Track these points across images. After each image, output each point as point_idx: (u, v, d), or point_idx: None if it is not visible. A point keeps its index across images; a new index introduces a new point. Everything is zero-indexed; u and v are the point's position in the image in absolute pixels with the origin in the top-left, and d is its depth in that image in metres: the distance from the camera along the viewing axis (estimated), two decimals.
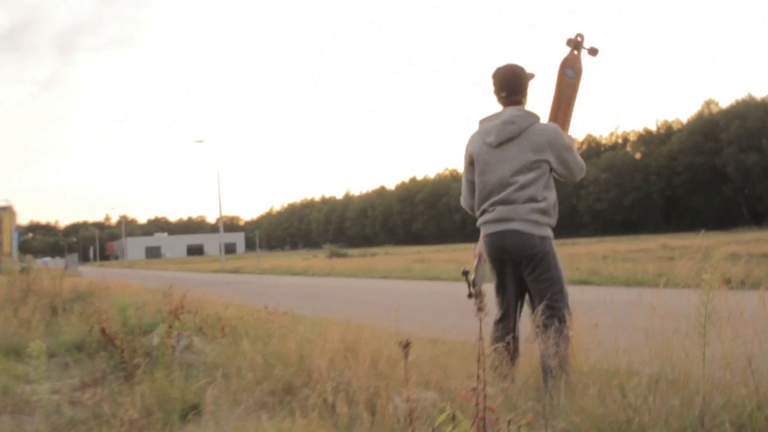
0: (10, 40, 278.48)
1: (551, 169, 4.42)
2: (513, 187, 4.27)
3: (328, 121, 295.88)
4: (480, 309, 4.06)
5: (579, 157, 4.51)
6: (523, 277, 4.45)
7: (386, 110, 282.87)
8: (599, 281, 16.04)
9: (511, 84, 4.36)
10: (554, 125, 4.39)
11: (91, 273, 62.41)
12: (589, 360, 4.15)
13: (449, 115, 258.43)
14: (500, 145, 4.32)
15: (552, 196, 4.41)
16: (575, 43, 4.89)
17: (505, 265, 4.47)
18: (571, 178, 4.56)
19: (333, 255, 58.59)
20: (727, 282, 12.34)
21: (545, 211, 4.35)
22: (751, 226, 75.60)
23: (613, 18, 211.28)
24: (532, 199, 4.28)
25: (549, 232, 4.45)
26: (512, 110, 4.33)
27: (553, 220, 4.48)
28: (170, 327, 5.68)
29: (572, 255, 32.17)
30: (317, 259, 54.65)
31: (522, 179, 4.27)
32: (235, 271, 41.59)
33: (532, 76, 4.47)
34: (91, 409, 4.74)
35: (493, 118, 4.37)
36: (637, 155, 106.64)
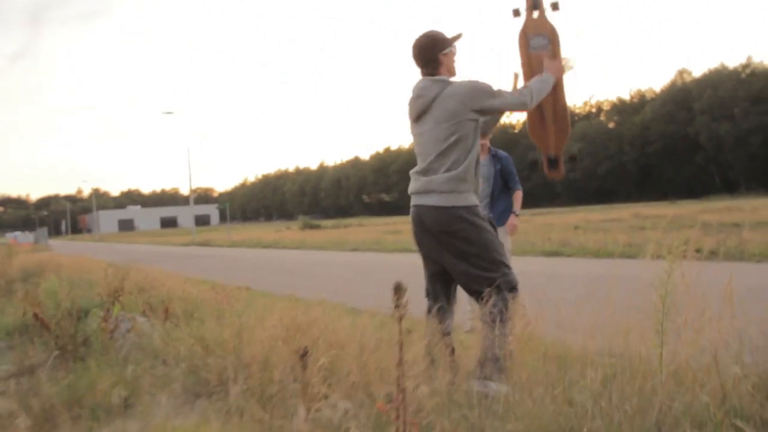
0: None
1: (479, 125, 4.16)
2: (431, 158, 4.11)
3: (301, 91, 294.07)
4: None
5: (511, 93, 4.16)
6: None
7: (361, 79, 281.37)
8: (570, 252, 15.87)
9: (421, 56, 4.15)
10: (466, 81, 4.06)
11: (60, 247, 61.76)
12: (545, 344, 3.86)
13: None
14: (418, 119, 4.19)
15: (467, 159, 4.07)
16: (533, 2, 4.47)
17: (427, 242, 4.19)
18: (519, 112, 4.39)
19: (306, 227, 58.16)
20: (697, 251, 12.03)
21: (463, 178, 4.04)
22: (723, 195, 76.02)
23: None
24: (450, 168, 4.03)
25: (471, 200, 4.08)
26: (420, 82, 4.16)
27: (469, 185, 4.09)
28: (108, 310, 5.34)
29: (545, 225, 32.09)
30: (290, 231, 54.26)
31: (441, 148, 4.07)
32: (206, 243, 41.17)
33: (453, 39, 4.17)
34: (17, 400, 4.41)
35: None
36: (611, 125, 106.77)
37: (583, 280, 9.87)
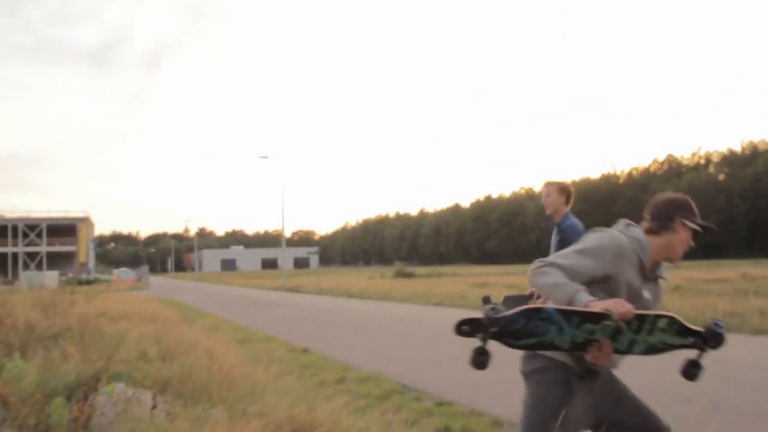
0: (99, 57, 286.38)
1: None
2: None
3: (405, 137, 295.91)
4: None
5: None
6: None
7: (463, 127, 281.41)
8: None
9: (658, 208, 3.48)
10: None
11: (158, 285, 62.94)
12: None
13: (524, 134, 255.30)
14: None
15: None
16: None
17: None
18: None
19: (399, 274, 57.53)
20: None
21: None
22: None
23: (701, 38, 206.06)
24: None
25: None
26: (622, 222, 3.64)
27: None
28: (85, 395, 4.64)
29: None
30: (382, 278, 53.66)
31: None
32: (295, 289, 40.91)
33: (702, 224, 3.48)
34: None
35: None
36: (720, 177, 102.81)
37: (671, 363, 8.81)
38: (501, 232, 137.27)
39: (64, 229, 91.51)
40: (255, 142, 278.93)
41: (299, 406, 4.97)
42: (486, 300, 4.93)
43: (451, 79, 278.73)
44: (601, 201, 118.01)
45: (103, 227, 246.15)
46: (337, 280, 51.97)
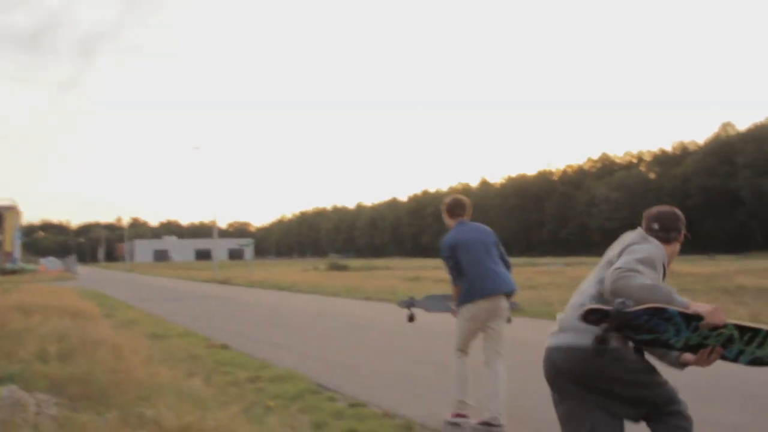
0: (32, 43, 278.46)
1: None
2: None
3: (343, 130, 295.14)
4: None
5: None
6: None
7: (401, 121, 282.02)
8: None
9: (667, 218, 4.00)
10: None
11: (86, 275, 61.51)
12: None
13: (463, 130, 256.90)
14: None
15: None
16: None
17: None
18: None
19: (332, 267, 57.27)
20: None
21: None
22: (764, 252, 73.82)
23: (633, 36, 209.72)
24: None
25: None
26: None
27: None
28: None
29: (574, 279, 30.72)
30: (315, 271, 53.33)
31: None
32: (225, 281, 40.32)
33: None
34: None
35: None
36: (651, 175, 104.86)
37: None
38: (435, 226, 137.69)
39: None
40: (190, 132, 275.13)
41: (196, 411, 4.68)
42: (408, 304, 5.53)
43: (388, 74, 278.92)
44: (536, 197, 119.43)
45: (32, 216, 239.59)
46: (270, 272, 51.47)
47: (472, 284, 5.96)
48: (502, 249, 6.22)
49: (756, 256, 63.18)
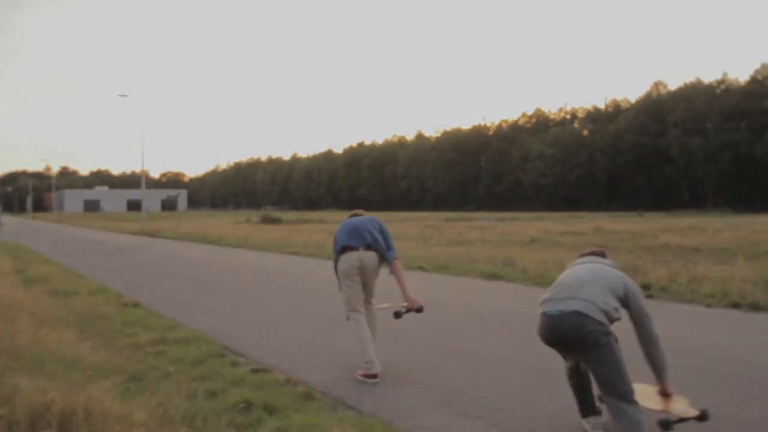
0: None
1: None
2: None
3: (278, 80, 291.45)
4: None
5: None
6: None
7: (337, 72, 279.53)
8: (510, 275, 14.48)
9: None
10: None
11: (11, 225, 59.86)
12: None
13: (400, 81, 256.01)
14: None
15: None
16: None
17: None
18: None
19: (265, 220, 56.63)
20: (645, 288, 10.30)
21: None
22: (690, 210, 75.57)
23: None
24: None
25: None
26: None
27: None
28: None
29: (502, 234, 30.86)
30: (247, 224, 52.70)
31: None
32: (153, 234, 39.54)
33: None
34: None
35: None
36: (584, 132, 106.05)
37: (478, 323, 8.70)
38: (372, 179, 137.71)
39: None
40: (121, 78, 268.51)
41: (70, 383, 4.35)
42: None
43: (324, 23, 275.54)
44: (471, 151, 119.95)
45: None
46: (201, 224, 50.69)
47: (340, 243, 6.73)
48: (387, 233, 6.91)
49: (682, 214, 64.61)
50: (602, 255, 4.96)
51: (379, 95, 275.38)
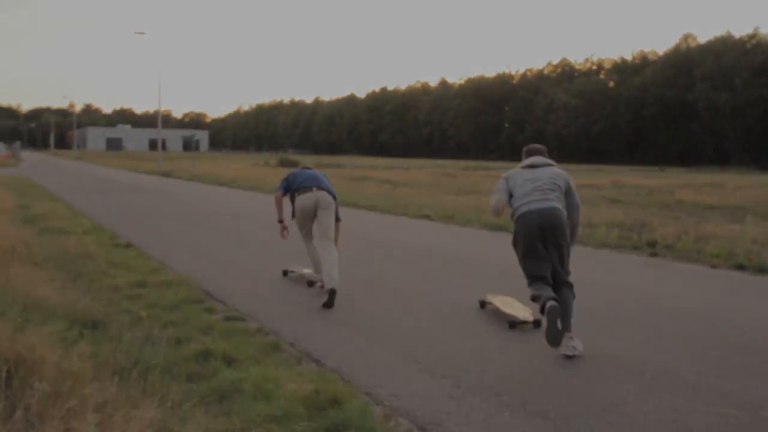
0: None
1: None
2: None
3: (303, 21, 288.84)
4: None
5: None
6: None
7: (363, 14, 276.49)
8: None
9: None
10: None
11: (31, 162, 60.10)
12: None
13: (424, 26, 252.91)
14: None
15: None
16: None
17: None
18: None
19: (283, 163, 56.34)
20: (651, 245, 10.01)
21: None
22: (713, 166, 74.49)
23: None
24: None
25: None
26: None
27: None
28: None
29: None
30: (264, 166, 52.50)
31: None
32: (168, 174, 39.48)
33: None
34: None
35: None
36: (610, 84, 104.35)
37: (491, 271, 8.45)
38: (394, 125, 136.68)
39: None
40: (143, 17, 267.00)
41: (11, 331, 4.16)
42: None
43: None
44: (494, 100, 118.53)
45: None
46: (217, 166, 50.52)
47: (295, 187, 8.06)
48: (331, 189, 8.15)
49: (705, 170, 63.71)
50: (544, 153, 6.30)
51: (403, 40, 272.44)
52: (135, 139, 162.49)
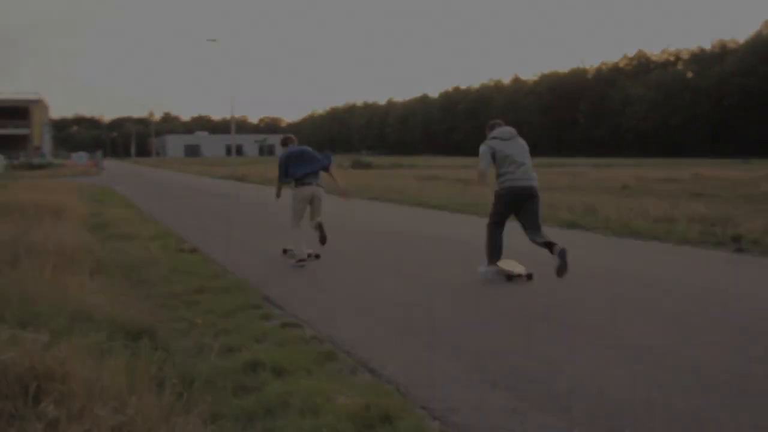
0: None
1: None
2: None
3: (375, 25, 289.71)
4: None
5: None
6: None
7: (434, 17, 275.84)
8: (591, 224, 13.67)
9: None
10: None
11: (111, 170, 61.50)
12: None
13: (496, 24, 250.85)
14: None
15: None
16: None
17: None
18: None
19: (356, 165, 56.37)
20: (735, 239, 9.33)
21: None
22: None
23: None
24: None
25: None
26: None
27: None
28: None
29: (593, 181, 29.65)
30: (338, 168, 52.48)
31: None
32: (242, 178, 39.73)
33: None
34: None
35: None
36: (689, 75, 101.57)
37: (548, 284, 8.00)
38: (467, 123, 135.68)
39: (16, 112, 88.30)
40: (220, 24, 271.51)
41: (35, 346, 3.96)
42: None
43: None
44: (569, 95, 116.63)
45: (65, 110, 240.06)
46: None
47: (296, 177, 9.79)
48: (317, 152, 10.12)
49: None
50: (503, 124, 8.60)
51: (475, 39, 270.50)
52: (212, 145, 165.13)
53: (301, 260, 9.44)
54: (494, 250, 8.23)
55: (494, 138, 8.35)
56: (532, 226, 8.11)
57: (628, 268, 9.16)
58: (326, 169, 10.00)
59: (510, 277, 8.05)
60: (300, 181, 9.75)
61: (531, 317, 6.47)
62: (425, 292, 7.69)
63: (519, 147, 8.28)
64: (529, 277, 8.05)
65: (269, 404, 4.05)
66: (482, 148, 8.36)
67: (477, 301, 7.31)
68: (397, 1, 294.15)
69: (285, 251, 10.20)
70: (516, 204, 8.14)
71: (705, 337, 5.71)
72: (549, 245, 7.86)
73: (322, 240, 9.67)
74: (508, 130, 8.45)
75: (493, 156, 8.24)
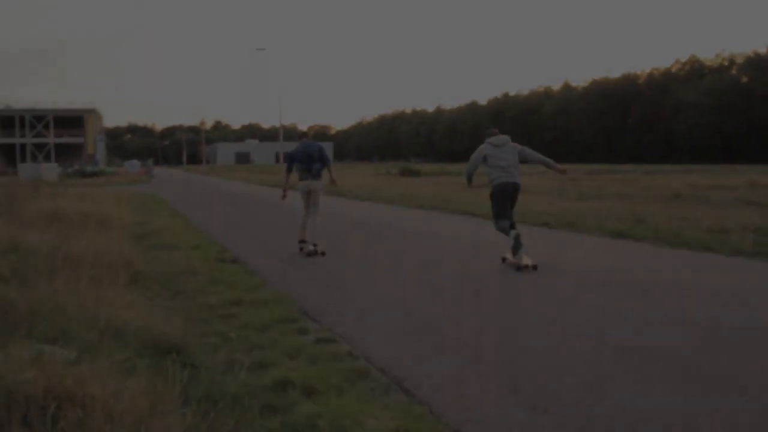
0: None
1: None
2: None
3: (424, 31, 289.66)
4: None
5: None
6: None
7: (482, 23, 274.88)
8: (640, 234, 13.29)
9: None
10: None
11: (162, 178, 62.25)
12: None
13: (545, 30, 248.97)
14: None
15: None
16: None
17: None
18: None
19: (404, 172, 56.14)
20: None
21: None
22: None
23: None
24: None
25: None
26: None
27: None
28: None
29: (645, 188, 29.05)
30: (386, 176, 52.46)
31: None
32: (292, 186, 39.73)
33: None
34: None
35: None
36: (744, 80, 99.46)
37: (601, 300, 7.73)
38: (517, 130, 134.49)
39: (71, 121, 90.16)
40: (267, 34, 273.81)
41: (81, 357, 3.88)
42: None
43: None
44: (620, 101, 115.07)
45: (118, 119, 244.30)
46: (337, 176, 50.61)
47: (298, 170, 11.93)
48: (324, 153, 12.10)
49: None
50: (498, 134, 10.48)
51: (524, 45, 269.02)
52: (262, 152, 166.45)
53: (300, 241, 11.75)
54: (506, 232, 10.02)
55: (488, 143, 10.25)
56: (508, 216, 10.14)
57: (675, 278, 8.83)
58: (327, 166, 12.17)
59: (519, 268, 9.49)
60: (300, 176, 11.90)
61: (577, 335, 6.23)
62: (467, 306, 7.49)
63: (509, 153, 10.18)
64: (535, 267, 9.42)
65: (296, 426, 3.90)
66: (475, 152, 10.33)
67: (529, 320, 7.09)
68: (446, 8, 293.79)
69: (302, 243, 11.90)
70: (506, 196, 10.11)
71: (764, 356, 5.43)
72: (512, 225, 9.99)
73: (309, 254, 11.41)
74: (502, 138, 10.35)
75: (485, 159, 10.16)
